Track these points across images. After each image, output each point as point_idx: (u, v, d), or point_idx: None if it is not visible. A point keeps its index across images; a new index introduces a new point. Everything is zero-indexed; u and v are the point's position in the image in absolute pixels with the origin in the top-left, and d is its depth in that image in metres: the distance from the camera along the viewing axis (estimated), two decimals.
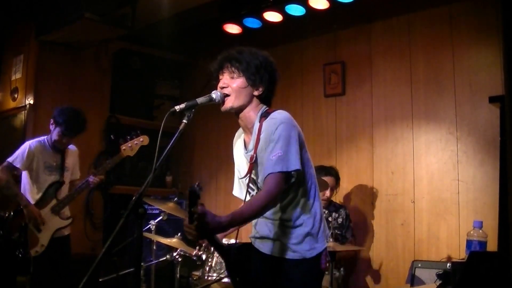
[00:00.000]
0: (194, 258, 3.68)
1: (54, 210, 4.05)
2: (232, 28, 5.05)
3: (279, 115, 2.33)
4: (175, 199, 4.24)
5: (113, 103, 5.90)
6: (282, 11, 4.65)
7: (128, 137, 4.07)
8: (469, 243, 3.23)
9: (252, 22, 4.89)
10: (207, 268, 3.56)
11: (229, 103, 2.37)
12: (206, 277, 3.54)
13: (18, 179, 4.14)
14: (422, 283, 3.72)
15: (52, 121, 4.09)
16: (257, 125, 2.38)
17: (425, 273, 3.76)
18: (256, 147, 2.35)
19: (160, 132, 2.15)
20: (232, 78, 2.39)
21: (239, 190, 2.63)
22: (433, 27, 4.44)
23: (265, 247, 2.45)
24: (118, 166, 5.70)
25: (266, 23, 4.82)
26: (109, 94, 5.88)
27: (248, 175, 2.38)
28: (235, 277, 2.46)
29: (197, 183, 1.97)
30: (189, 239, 2.14)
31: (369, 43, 4.85)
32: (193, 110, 2.26)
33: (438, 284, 3.07)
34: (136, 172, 6.00)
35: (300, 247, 2.36)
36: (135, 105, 6.07)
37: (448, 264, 3.42)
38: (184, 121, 2.24)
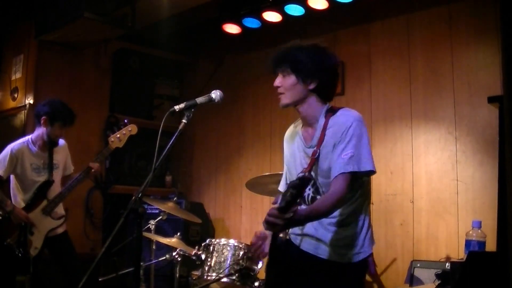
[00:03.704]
0: (194, 257, 3.69)
1: (45, 211, 3.94)
2: (232, 28, 5.05)
3: (352, 112, 2.35)
4: (175, 198, 4.25)
5: (112, 102, 5.90)
6: (281, 11, 4.64)
7: (116, 128, 4.01)
8: (468, 243, 3.23)
9: (251, 22, 4.89)
10: (207, 268, 3.56)
11: (284, 101, 2.40)
12: (205, 277, 3.54)
13: (6, 183, 4.02)
14: (421, 283, 3.73)
15: (43, 119, 3.94)
16: (322, 121, 2.37)
17: (424, 273, 3.77)
18: (320, 143, 2.31)
19: (160, 131, 2.16)
20: (284, 77, 2.41)
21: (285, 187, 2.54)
22: (432, 27, 4.44)
23: (307, 246, 2.38)
24: (117, 165, 5.81)
25: (265, 23, 4.82)
26: (108, 93, 5.88)
27: (308, 170, 2.31)
28: (274, 273, 2.29)
29: (305, 173, 1.89)
30: (269, 228, 1.99)
31: (368, 43, 4.85)
32: (192, 110, 2.28)
33: (437, 284, 3.08)
34: (136, 172, 6.01)
35: (346, 250, 2.31)
36: (134, 105, 6.06)
37: (447, 264, 3.43)
38: (184, 120, 2.25)
